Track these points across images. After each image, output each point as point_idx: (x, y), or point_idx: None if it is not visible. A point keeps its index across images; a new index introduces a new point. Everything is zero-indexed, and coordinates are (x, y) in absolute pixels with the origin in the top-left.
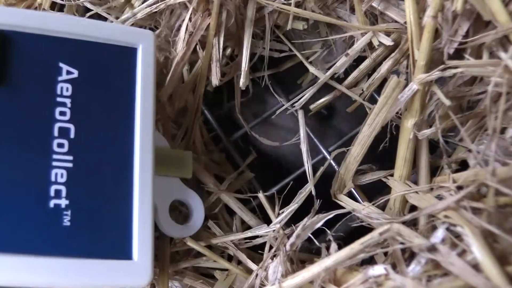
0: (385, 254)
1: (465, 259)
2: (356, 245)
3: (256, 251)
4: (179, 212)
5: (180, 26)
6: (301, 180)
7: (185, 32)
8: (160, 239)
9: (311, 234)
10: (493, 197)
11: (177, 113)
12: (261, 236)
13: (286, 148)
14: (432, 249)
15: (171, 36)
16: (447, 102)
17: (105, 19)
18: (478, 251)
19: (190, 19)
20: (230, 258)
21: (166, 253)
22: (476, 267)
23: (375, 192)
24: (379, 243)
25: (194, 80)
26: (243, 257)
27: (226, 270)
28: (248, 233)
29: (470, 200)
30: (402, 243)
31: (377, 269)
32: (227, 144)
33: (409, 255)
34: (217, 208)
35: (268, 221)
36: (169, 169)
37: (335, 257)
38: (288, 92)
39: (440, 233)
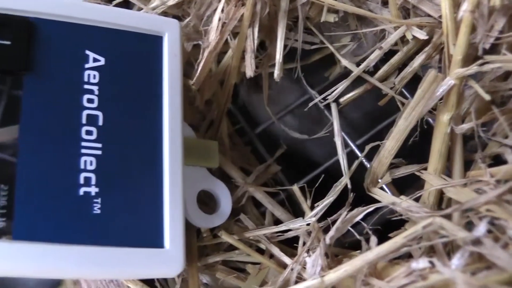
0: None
1: (509, 252)
2: (399, 239)
3: (286, 245)
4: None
5: (209, 16)
6: (326, 173)
7: (218, 22)
8: (186, 232)
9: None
10: None
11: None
12: (292, 230)
13: (308, 141)
14: (476, 242)
15: (200, 26)
16: (487, 96)
17: (130, 7)
18: None
19: (222, 10)
20: (260, 252)
21: (194, 247)
22: None
23: (400, 186)
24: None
25: (223, 72)
26: (276, 250)
27: (258, 264)
28: (283, 227)
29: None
30: (444, 237)
31: (422, 262)
32: (252, 137)
33: (449, 250)
34: (243, 201)
35: (297, 214)
36: (195, 159)
37: (377, 250)
38: (311, 85)
39: (482, 227)
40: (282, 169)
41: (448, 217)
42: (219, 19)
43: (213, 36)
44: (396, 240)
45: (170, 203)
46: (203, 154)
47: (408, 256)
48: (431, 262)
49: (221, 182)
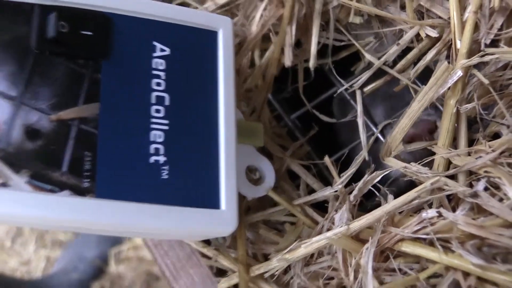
0: (430, 207)
1: (503, 203)
2: (411, 193)
3: (317, 210)
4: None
5: (255, 16)
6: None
7: (260, 17)
8: None
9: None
10: None
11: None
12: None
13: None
14: (475, 195)
15: (247, 24)
16: (486, 80)
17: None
18: None
19: (264, 9)
20: (294, 215)
21: (241, 207)
22: None
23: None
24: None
25: (266, 65)
26: (310, 211)
27: (294, 223)
28: (315, 195)
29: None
30: (448, 191)
31: (430, 212)
32: (288, 121)
33: (453, 206)
34: (282, 171)
35: (327, 185)
36: (244, 138)
37: (394, 203)
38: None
39: (481, 184)
40: (314, 148)
41: (454, 180)
42: (261, 16)
43: (254, 27)
44: (409, 194)
45: (225, 172)
46: (251, 134)
47: None
48: (438, 212)
49: (266, 158)
